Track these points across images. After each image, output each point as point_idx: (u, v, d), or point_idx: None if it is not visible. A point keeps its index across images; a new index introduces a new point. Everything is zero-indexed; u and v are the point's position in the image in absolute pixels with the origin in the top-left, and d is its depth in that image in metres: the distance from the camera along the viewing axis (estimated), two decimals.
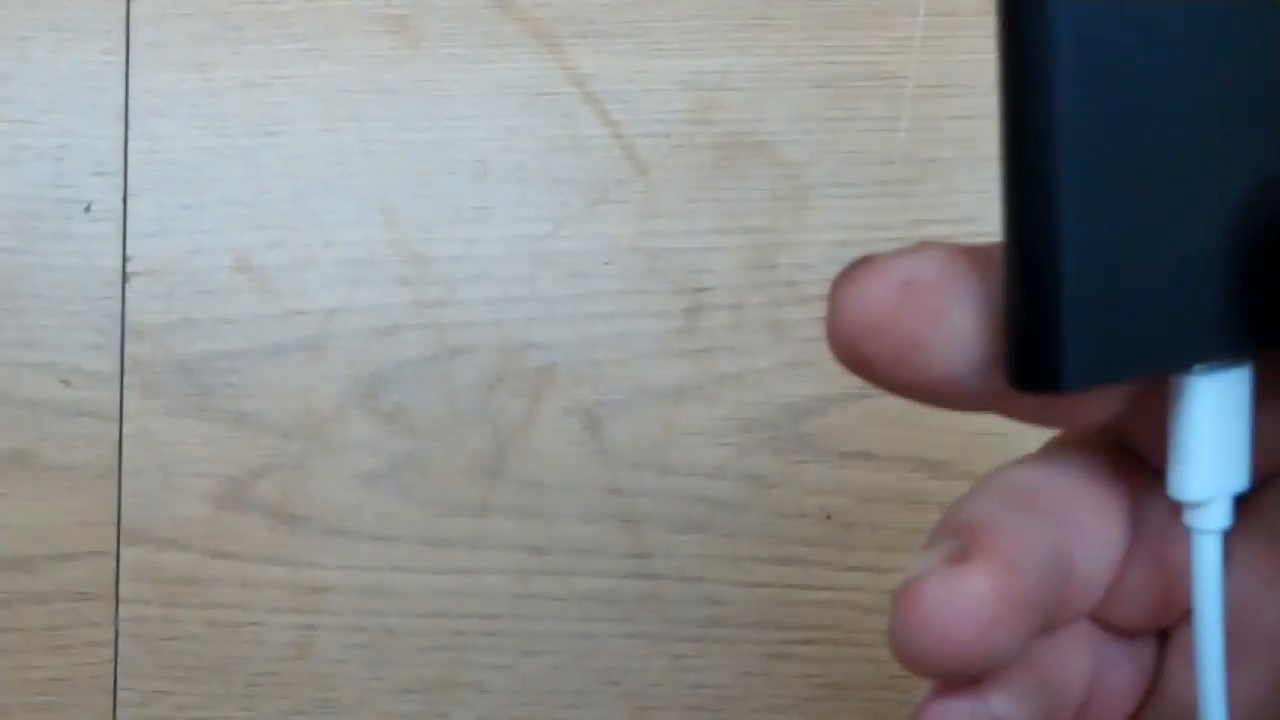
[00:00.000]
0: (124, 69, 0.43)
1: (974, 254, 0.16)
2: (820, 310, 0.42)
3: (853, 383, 0.43)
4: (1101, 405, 0.17)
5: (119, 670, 0.42)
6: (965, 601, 0.16)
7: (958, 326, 0.16)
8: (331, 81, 0.44)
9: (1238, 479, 0.17)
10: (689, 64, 0.43)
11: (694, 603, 0.42)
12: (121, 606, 0.42)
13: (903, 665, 0.17)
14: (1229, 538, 0.17)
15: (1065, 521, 0.17)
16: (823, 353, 0.42)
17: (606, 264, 0.43)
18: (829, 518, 0.42)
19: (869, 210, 0.42)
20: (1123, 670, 0.19)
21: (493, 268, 0.43)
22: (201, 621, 0.42)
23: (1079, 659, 0.19)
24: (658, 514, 0.42)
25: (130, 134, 0.43)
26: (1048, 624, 0.17)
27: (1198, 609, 0.17)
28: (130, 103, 0.43)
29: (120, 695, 0.42)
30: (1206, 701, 0.16)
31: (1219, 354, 0.16)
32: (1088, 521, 0.18)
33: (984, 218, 0.42)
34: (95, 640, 0.42)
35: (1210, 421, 0.16)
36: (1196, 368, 0.16)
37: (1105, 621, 0.19)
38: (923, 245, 0.16)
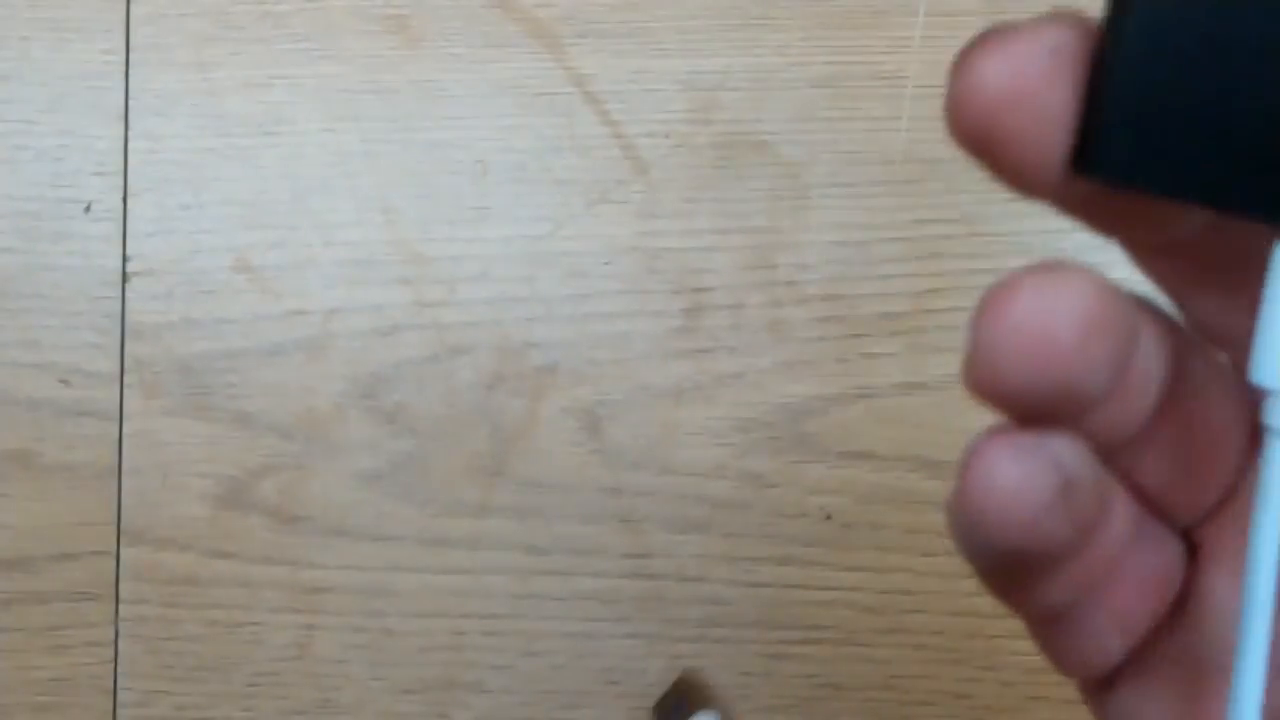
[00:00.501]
0: (124, 69, 0.43)
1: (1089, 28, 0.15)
2: (820, 310, 0.42)
3: (853, 382, 0.43)
4: (1171, 229, 0.16)
5: (119, 670, 0.42)
6: (1070, 299, 0.14)
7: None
8: (331, 81, 0.44)
9: None
10: (689, 64, 0.43)
11: (694, 603, 0.42)
12: (121, 606, 0.42)
13: (978, 390, 0.15)
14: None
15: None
16: (823, 353, 0.42)
17: (606, 264, 0.43)
18: (829, 518, 0.42)
19: (869, 210, 0.42)
20: (1151, 560, 0.18)
21: (493, 268, 0.43)
22: (201, 621, 0.42)
23: (1119, 511, 0.17)
24: (658, 514, 0.42)
25: (130, 134, 0.43)
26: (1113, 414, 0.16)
27: (1258, 513, 0.15)
28: (130, 103, 0.43)
29: (120, 695, 0.42)
30: (1253, 601, 0.15)
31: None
32: (1144, 330, 0.16)
33: (984, 218, 0.42)
34: (95, 640, 0.42)
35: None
36: None
37: (1137, 485, 0.18)
38: (1056, 15, 0.15)
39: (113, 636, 0.42)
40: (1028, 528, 0.15)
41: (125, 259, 0.43)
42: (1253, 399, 0.17)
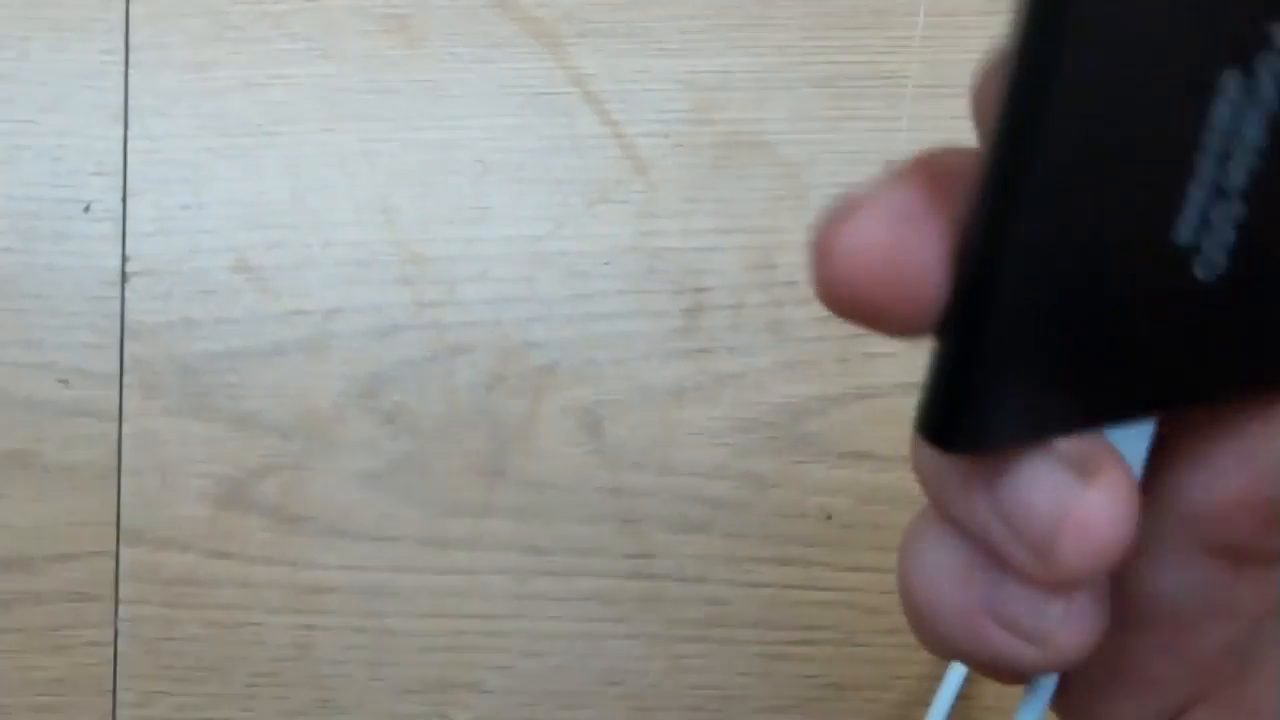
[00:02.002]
0: (124, 69, 0.43)
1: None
2: (820, 310, 0.42)
3: (853, 382, 0.43)
4: None
5: (119, 670, 0.42)
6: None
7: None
8: (331, 81, 0.44)
9: None
10: (689, 64, 0.43)
11: (694, 603, 0.42)
12: (121, 606, 0.42)
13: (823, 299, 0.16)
14: None
15: None
16: (823, 353, 0.42)
17: (606, 264, 0.43)
18: (829, 518, 0.42)
19: None
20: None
21: (493, 268, 0.43)
22: (201, 621, 0.42)
23: None
24: (658, 514, 0.42)
25: (130, 134, 0.43)
26: None
27: None
28: (130, 103, 0.43)
29: (120, 695, 0.42)
30: None
31: (1129, 414, 0.17)
32: None
33: None
34: (95, 640, 0.42)
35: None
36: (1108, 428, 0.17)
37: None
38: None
39: (112, 636, 0.42)
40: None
41: (125, 259, 0.43)
42: None
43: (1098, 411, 0.16)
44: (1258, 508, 0.17)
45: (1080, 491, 0.16)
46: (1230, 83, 0.14)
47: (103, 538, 0.42)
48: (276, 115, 0.43)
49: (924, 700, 0.41)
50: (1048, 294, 0.15)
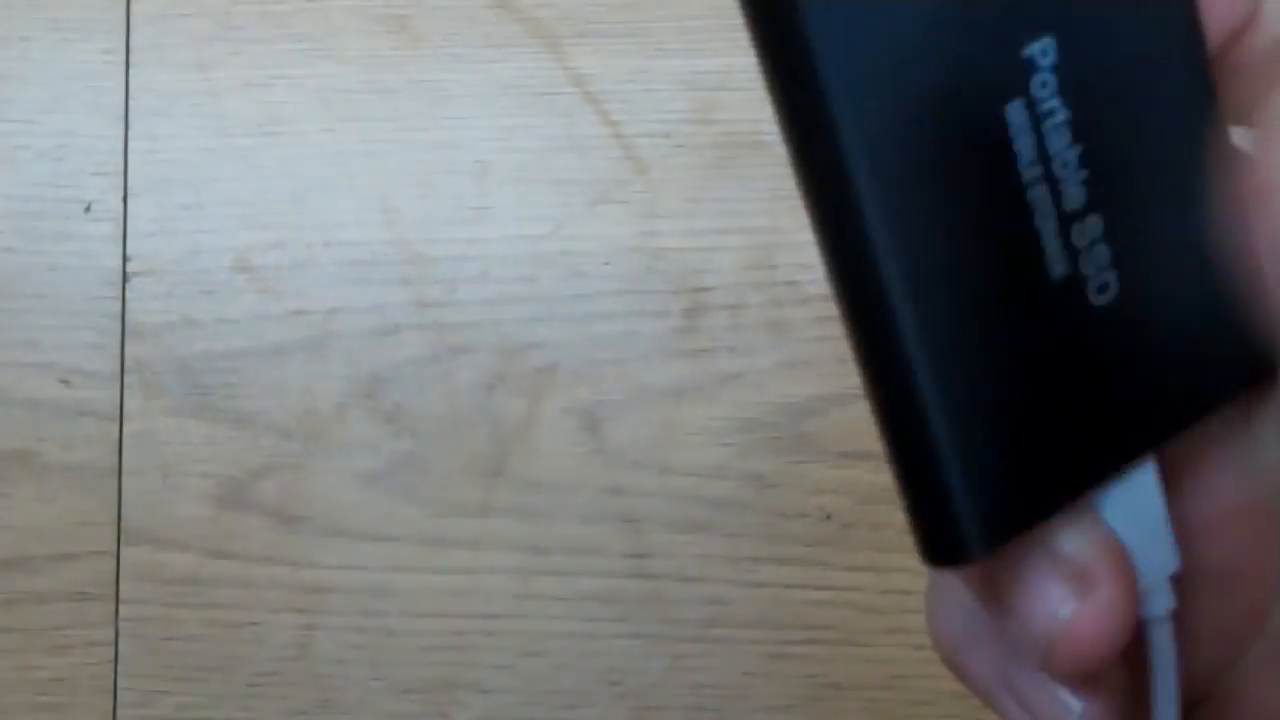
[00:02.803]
0: (124, 69, 0.44)
1: None
2: (820, 310, 0.42)
3: (853, 383, 0.43)
4: None
5: (119, 670, 0.42)
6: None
7: None
8: (331, 81, 0.44)
9: (1170, 562, 0.17)
10: (689, 64, 0.43)
11: (694, 603, 0.42)
12: (121, 606, 0.42)
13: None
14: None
15: None
16: (823, 353, 0.42)
17: (606, 264, 0.43)
18: (829, 518, 0.42)
19: None
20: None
21: (493, 268, 0.43)
22: (201, 621, 0.42)
23: None
24: (658, 514, 0.42)
25: (130, 134, 0.43)
26: None
27: (1157, 690, 0.17)
28: (130, 103, 0.43)
29: (120, 695, 0.42)
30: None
31: (1119, 461, 0.16)
32: None
33: None
34: (95, 640, 0.42)
35: (1128, 525, 0.17)
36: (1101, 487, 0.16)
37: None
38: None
39: (113, 636, 0.42)
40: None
41: (125, 259, 0.43)
42: None
43: (1083, 473, 0.16)
44: (1253, 516, 0.17)
45: (1075, 605, 0.16)
46: (1017, 115, 0.14)
47: (103, 538, 0.42)
48: (276, 115, 0.43)
49: (924, 700, 0.41)
50: (971, 386, 0.15)
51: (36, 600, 0.42)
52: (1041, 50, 0.14)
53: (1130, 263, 0.15)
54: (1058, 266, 0.15)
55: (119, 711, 0.42)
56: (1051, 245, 0.15)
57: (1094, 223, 0.15)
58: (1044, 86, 0.14)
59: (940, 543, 0.16)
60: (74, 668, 0.42)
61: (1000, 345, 0.15)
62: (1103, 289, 0.15)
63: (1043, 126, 0.14)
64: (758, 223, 0.42)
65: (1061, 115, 0.14)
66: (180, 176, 0.43)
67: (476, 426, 0.42)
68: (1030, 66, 0.14)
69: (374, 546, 0.42)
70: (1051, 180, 0.15)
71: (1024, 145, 0.14)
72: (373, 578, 0.42)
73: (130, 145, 0.43)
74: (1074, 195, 0.15)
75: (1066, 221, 0.15)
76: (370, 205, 0.43)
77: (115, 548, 0.42)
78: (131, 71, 0.43)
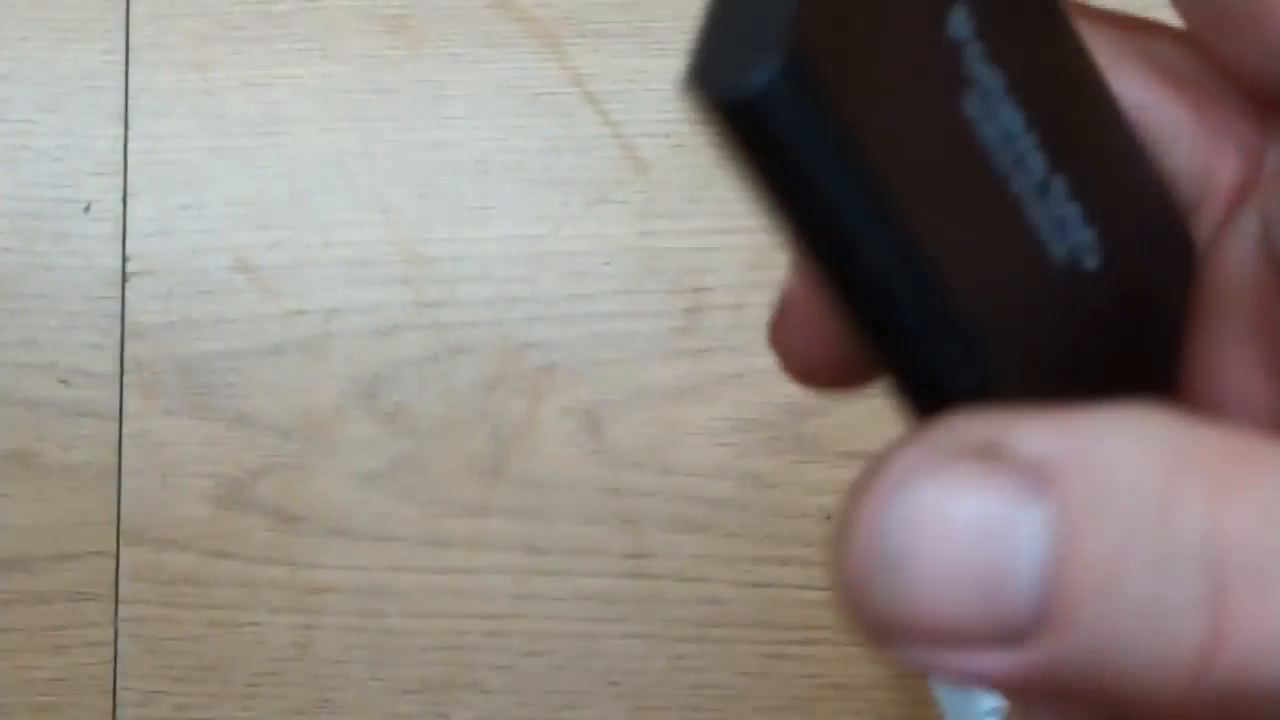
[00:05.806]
0: (124, 69, 0.44)
1: None
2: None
3: None
4: None
5: (119, 670, 0.42)
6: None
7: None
8: (331, 81, 0.44)
9: None
10: None
11: (694, 603, 0.42)
12: (121, 606, 0.42)
13: None
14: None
15: None
16: None
17: (606, 264, 0.43)
18: (829, 518, 0.42)
19: None
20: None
21: (493, 268, 0.43)
22: (201, 621, 0.42)
23: None
24: (658, 514, 0.42)
25: (130, 134, 0.43)
26: None
27: None
28: (130, 103, 0.43)
29: (120, 695, 0.42)
30: None
31: None
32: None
33: None
34: (95, 640, 0.42)
35: None
36: None
37: None
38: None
39: (113, 636, 0.42)
40: None
41: (125, 259, 0.43)
42: None
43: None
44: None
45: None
46: (971, 102, 0.14)
47: (103, 537, 0.42)
48: (276, 115, 0.43)
49: (925, 700, 0.41)
50: (1019, 376, 0.14)
51: (36, 600, 0.42)
52: (958, 24, 0.14)
53: (1103, 215, 0.15)
54: (1054, 243, 0.15)
55: (118, 712, 0.42)
56: (1041, 223, 0.15)
57: (1061, 186, 0.15)
58: (974, 62, 0.14)
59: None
60: (73, 668, 0.42)
61: (1025, 326, 0.15)
62: (1092, 251, 0.15)
63: (993, 105, 0.14)
64: (758, 223, 0.42)
65: (999, 86, 0.14)
66: (180, 176, 0.43)
67: (476, 426, 0.42)
68: (956, 45, 0.14)
69: (374, 546, 0.42)
70: (1018, 156, 0.14)
71: (986, 132, 0.14)
72: (372, 578, 0.42)
73: (130, 145, 0.43)
74: (1037, 166, 0.15)
75: (1040, 194, 0.15)
76: (370, 205, 0.43)
77: (115, 548, 0.42)
78: (131, 71, 0.43)
